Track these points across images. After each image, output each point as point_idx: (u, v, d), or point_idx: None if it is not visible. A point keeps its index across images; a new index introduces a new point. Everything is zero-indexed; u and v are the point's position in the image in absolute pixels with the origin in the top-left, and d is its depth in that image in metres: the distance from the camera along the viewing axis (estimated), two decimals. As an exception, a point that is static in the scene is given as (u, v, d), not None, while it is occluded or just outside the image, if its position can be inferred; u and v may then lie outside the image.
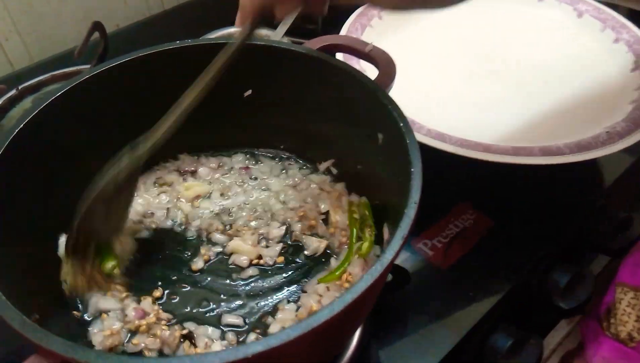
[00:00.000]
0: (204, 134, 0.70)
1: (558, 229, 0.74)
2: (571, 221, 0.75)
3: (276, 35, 0.91)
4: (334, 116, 0.64)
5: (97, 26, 0.89)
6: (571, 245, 0.77)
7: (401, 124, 0.51)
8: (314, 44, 0.64)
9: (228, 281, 0.58)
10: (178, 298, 0.56)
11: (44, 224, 0.56)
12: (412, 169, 0.47)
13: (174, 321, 0.54)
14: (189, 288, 0.57)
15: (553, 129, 0.75)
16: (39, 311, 0.48)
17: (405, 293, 0.65)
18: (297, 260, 0.61)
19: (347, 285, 0.56)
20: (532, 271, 0.70)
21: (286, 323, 0.53)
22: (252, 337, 0.53)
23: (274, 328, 0.53)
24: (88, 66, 0.89)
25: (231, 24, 0.99)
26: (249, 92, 0.67)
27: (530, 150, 0.68)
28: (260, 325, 0.54)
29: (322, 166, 0.69)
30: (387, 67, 0.59)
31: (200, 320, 0.54)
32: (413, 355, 0.60)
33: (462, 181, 0.78)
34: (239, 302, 0.56)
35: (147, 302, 0.54)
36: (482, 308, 0.65)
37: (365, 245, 0.58)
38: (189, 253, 0.61)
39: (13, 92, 0.87)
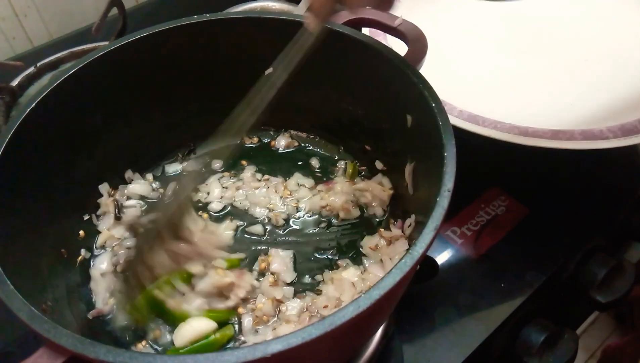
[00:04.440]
0: (221, 115, 0.67)
1: (597, 218, 0.69)
2: (611, 210, 0.70)
3: (299, 10, 0.87)
4: (358, 96, 0.61)
5: (116, 2, 0.86)
6: (611, 234, 0.72)
7: (433, 105, 0.47)
8: (339, 18, 0.60)
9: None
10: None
11: (61, 202, 0.55)
12: (445, 154, 0.43)
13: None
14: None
15: (594, 111, 0.70)
16: (52, 298, 0.46)
17: (433, 284, 0.62)
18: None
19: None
20: (567, 262, 0.66)
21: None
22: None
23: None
24: (106, 43, 0.87)
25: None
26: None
27: (571, 134, 0.63)
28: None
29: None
30: (417, 42, 0.55)
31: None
32: (440, 350, 0.57)
33: (494, 164, 0.73)
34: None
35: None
36: (514, 300, 0.61)
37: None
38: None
39: (31, 69, 0.86)
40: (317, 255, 0.59)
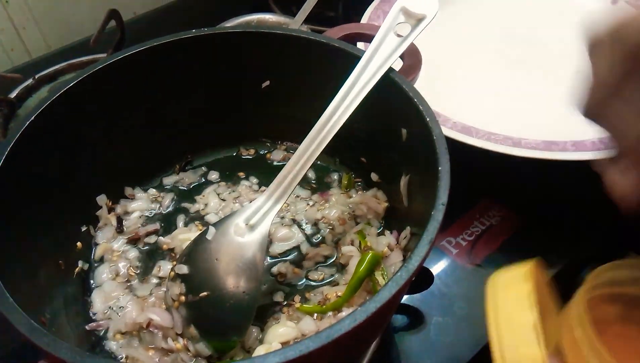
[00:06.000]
0: (219, 126, 0.68)
1: (592, 228, 0.70)
2: (606, 220, 0.71)
3: (295, 23, 0.88)
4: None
5: (114, 14, 0.87)
6: (606, 245, 0.73)
7: (428, 119, 0.48)
8: (335, 32, 0.61)
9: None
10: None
11: (59, 214, 0.55)
12: (440, 168, 0.44)
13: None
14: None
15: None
16: (50, 310, 0.47)
17: (428, 294, 0.62)
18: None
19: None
20: (563, 272, 0.67)
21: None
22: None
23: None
24: (104, 55, 0.88)
25: (250, 11, 0.97)
26: (267, 83, 0.65)
27: (563, 145, 0.64)
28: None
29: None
30: (411, 57, 0.56)
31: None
32: (436, 360, 0.57)
33: (489, 175, 0.74)
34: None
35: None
36: (509, 310, 0.62)
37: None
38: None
39: (30, 81, 0.87)
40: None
